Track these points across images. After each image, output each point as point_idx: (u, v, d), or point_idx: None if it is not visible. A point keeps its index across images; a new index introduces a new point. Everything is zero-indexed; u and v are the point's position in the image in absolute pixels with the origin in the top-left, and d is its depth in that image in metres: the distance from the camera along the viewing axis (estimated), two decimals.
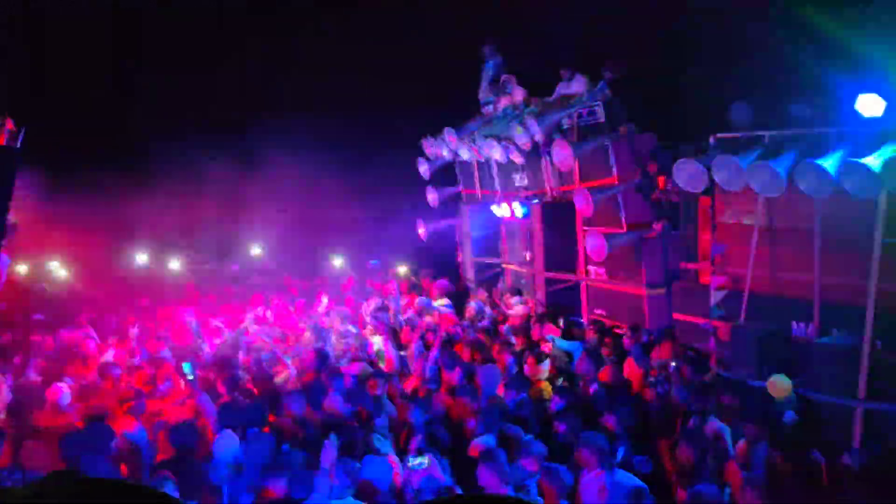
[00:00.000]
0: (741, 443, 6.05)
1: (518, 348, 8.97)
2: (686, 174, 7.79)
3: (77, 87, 13.60)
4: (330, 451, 5.28)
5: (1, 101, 7.27)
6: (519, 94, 11.52)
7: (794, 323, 7.48)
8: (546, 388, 7.72)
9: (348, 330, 10.11)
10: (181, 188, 14.63)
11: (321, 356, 8.25)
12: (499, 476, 5.16)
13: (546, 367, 8.11)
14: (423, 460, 5.27)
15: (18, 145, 6.97)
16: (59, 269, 13.03)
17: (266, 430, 6.42)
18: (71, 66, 13.56)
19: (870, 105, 6.64)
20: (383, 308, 10.87)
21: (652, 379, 7.55)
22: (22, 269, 11.79)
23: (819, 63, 7.15)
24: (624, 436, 6.39)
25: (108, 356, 9.27)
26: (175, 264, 15.13)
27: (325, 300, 12.03)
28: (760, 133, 7.44)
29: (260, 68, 13.43)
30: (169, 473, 5.23)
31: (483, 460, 5.29)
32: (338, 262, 14.39)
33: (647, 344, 8.65)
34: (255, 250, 16.25)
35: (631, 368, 8.01)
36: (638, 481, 5.40)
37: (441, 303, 11.98)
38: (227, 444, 5.92)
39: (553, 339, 9.22)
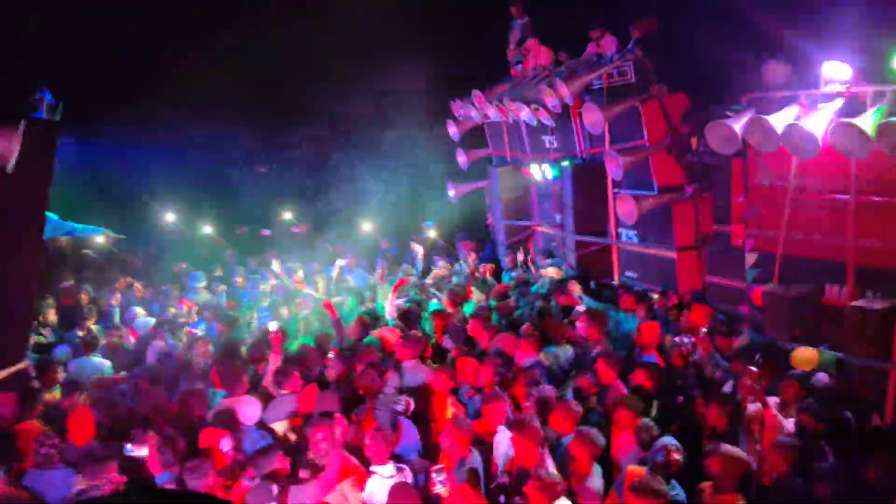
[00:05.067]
0: (773, 404, 6.08)
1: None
2: (719, 136, 7.70)
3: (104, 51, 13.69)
4: None
5: (40, 72, 7.40)
6: (545, 57, 11.40)
7: (827, 285, 7.44)
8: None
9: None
10: (214, 153, 14.83)
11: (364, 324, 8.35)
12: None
13: None
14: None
15: (58, 118, 7.07)
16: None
17: None
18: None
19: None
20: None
21: (677, 340, 7.58)
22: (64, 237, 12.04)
23: (857, 20, 6.99)
24: (655, 394, 6.48)
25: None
26: (208, 229, 15.38)
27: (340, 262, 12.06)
28: (795, 93, 7.32)
29: (287, 33, 13.39)
30: None
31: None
32: (367, 226, 14.51)
33: (677, 307, 8.67)
34: (286, 215, 16.44)
35: (659, 332, 8.02)
36: (669, 438, 5.49)
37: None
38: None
39: (582, 298, 9.26)
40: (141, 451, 5.10)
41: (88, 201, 14.07)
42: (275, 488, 4.95)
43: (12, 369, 6.80)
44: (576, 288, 9.36)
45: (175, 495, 1.02)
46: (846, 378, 6.78)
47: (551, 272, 10.85)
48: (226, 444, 5.40)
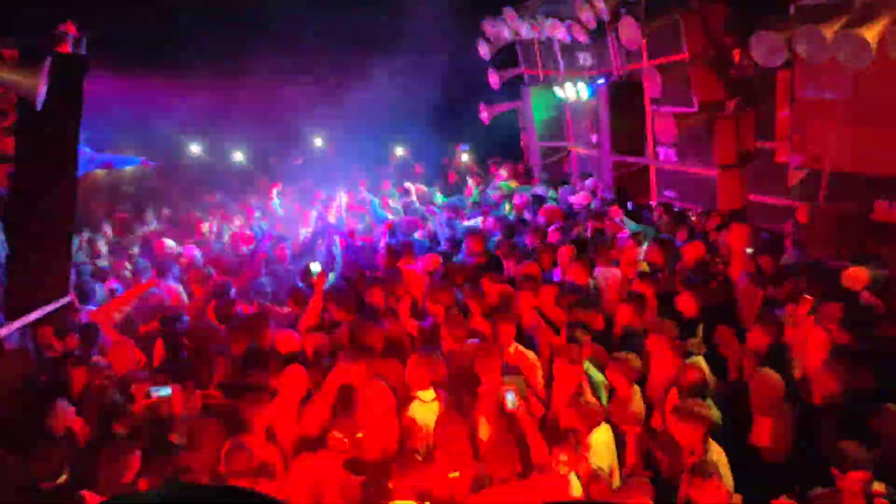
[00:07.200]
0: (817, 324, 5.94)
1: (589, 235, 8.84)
2: (764, 47, 7.34)
3: None
4: None
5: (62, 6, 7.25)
6: None
7: (877, 201, 7.18)
8: None
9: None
10: (244, 81, 14.62)
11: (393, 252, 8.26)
12: None
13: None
14: None
15: (84, 51, 6.98)
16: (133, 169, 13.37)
17: None
18: None
19: None
20: None
21: (717, 260, 7.41)
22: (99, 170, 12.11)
23: None
24: (700, 318, 6.36)
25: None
26: (239, 156, 15.35)
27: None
28: None
29: None
30: None
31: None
32: (399, 150, 14.35)
33: (717, 227, 8.47)
34: (318, 142, 16.29)
35: (703, 253, 7.84)
36: (694, 357, 5.41)
37: (514, 184, 12.03)
38: None
39: (624, 222, 9.07)
40: (164, 392, 5.00)
41: (121, 134, 14.11)
42: None
43: (58, 303, 6.95)
44: (619, 213, 9.16)
45: (207, 490, 0.95)
46: (893, 297, 6.59)
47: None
48: None
